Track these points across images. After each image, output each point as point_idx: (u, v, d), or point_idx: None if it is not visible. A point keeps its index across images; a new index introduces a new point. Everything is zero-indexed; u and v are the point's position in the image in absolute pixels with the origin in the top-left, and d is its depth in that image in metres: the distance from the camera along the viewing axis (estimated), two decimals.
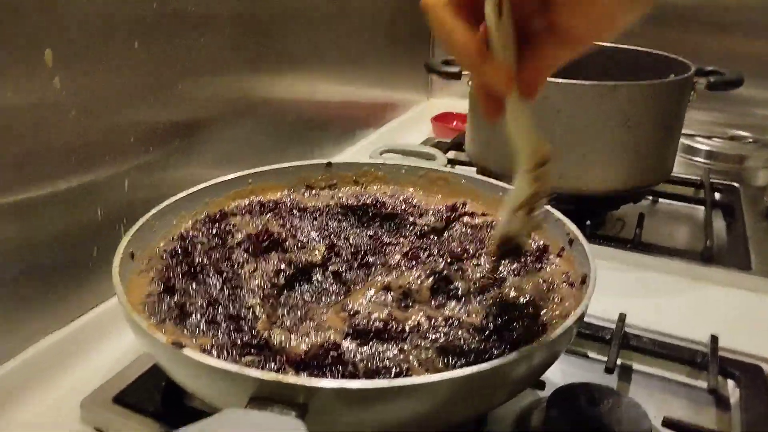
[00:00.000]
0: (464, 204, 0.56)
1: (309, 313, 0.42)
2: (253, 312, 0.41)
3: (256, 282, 0.44)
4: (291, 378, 0.32)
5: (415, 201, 0.57)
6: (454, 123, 1.11)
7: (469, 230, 0.53)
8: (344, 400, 0.33)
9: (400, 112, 1.16)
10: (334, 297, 0.44)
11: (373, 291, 0.44)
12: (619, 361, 0.51)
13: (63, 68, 0.49)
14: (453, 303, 0.44)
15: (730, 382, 0.51)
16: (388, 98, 1.13)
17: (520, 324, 0.41)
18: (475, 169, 0.77)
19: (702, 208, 0.80)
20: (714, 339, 0.53)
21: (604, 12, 0.30)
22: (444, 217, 0.54)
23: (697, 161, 0.99)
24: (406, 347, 0.39)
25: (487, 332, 0.40)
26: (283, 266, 0.45)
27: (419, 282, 0.44)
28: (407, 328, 0.40)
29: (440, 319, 0.41)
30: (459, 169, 0.67)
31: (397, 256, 0.48)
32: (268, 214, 0.53)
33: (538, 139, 0.36)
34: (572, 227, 0.48)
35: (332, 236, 0.51)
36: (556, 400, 0.43)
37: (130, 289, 0.42)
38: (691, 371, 0.52)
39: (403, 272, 0.46)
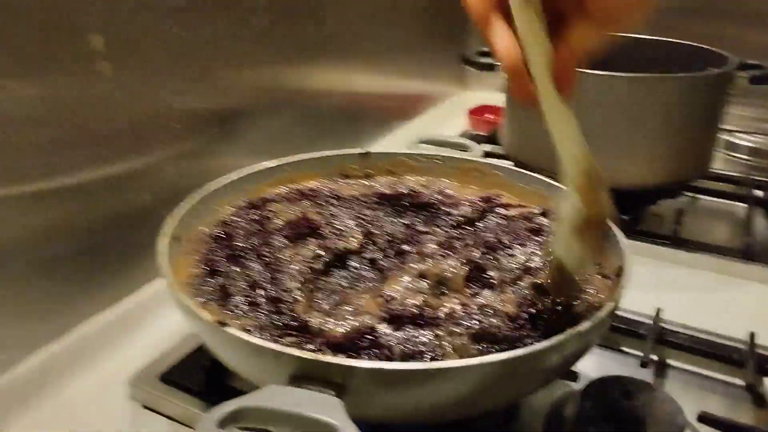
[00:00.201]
0: (499, 195, 0.56)
1: (346, 298, 0.43)
2: (293, 295, 0.42)
3: (296, 267, 0.45)
4: (329, 357, 0.33)
5: (449, 191, 0.58)
6: (491, 116, 1.11)
7: (503, 221, 0.53)
8: (380, 381, 0.33)
9: (434, 103, 1.15)
10: (370, 283, 0.45)
11: (408, 278, 0.44)
12: (654, 357, 0.51)
13: (113, 54, 0.50)
14: (487, 292, 0.44)
15: None
16: (423, 90, 1.13)
17: (553, 314, 0.41)
18: (511, 162, 0.77)
19: (742, 205, 0.78)
20: (752, 336, 0.52)
21: None
22: (478, 208, 0.55)
23: (738, 158, 0.96)
24: (440, 333, 0.39)
25: (520, 321, 0.41)
26: (321, 252, 0.47)
27: (454, 270, 0.45)
28: (442, 314, 0.41)
29: (474, 307, 0.42)
30: (494, 162, 0.67)
31: (432, 245, 0.49)
32: (306, 202, 0.54)
33: (581, 148, 0.36)
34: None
35: (368, 224, 0.52)
36: (589, 392, 0.43)
37: (175, 270, 0.43)
38: (728, 368, 0.51)
39: (438, 261, 0.46)
